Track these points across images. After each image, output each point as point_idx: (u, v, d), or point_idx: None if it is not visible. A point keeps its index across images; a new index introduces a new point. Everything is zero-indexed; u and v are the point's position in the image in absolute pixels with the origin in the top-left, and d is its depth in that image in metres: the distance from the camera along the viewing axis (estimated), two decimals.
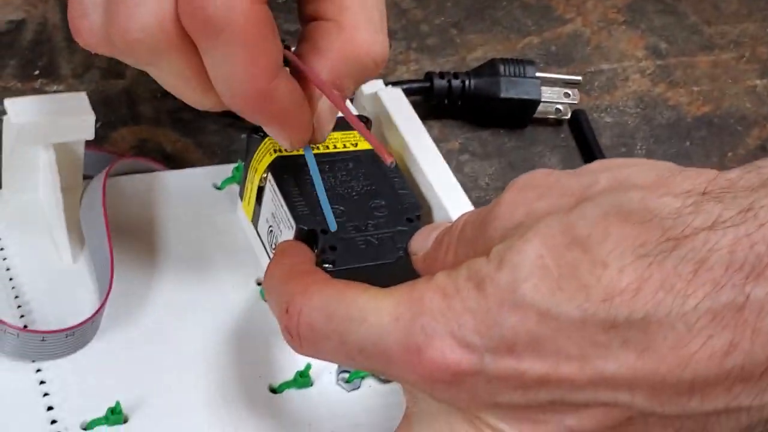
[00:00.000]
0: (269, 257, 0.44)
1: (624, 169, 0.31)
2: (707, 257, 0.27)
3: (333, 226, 0.39)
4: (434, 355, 0.29)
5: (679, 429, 0.29)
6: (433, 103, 0.56)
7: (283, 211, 0.42)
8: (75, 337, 0.40)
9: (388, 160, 0.36)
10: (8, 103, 0.42)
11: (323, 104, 0.37)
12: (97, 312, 0.41)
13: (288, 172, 0.42)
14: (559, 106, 0.57)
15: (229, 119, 0.53)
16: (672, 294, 0.27)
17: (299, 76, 0.36)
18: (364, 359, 0.31)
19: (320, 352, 0.33)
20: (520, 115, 0.57)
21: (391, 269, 0.40)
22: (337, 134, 0.45)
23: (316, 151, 0.44)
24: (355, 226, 0.41)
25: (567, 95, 0.57)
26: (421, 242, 0.37)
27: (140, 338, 0.42)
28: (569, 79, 0.58)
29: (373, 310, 0.31)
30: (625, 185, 0.30)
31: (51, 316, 0.42)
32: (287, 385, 0.41)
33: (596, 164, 0.32)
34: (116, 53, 0.34)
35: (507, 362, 0.29)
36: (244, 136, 0.53)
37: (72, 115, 0.42)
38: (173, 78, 0.34)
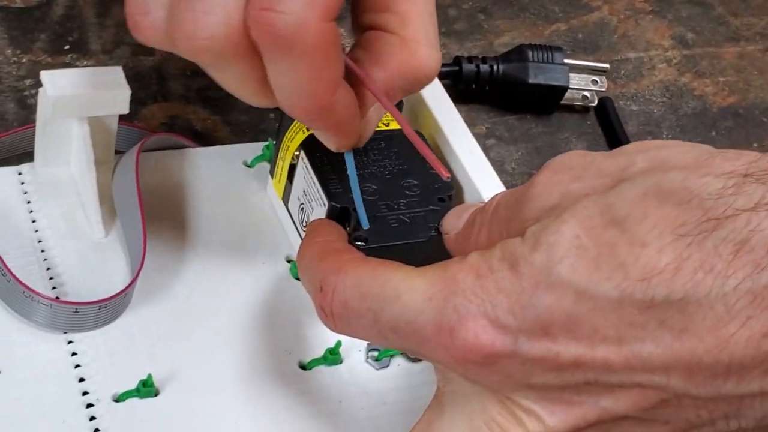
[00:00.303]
0: (300, 235, 0.44)
1: (662, 150, 0.30)
2: (748, 238, 0.27)
3: (366, 224, 0.39)
4: (467, 336, 0.29)
5: (713, 411, 0.29)
6: (460, 87, 0.56)
7: (316, 189, 0.42)
8: (107, 309, 0.40)
9: (445, 176, 0.36)
10: (45, 75, 0.42)
11: (372, 111, 0.37)
12: (129, 285, 0.41)
13: (321, 150, 0.42)
14: (586, 93, 0.57)
15: None
16: (712, 274, 0.27)
17: (352, 80, 0.36)
18: (397, 338, 0.31)
19: (354, 330, 0.33)
20: (548, 100, 0.57)
21: (423, 248, 0.40)
22: None
23: None
24: (387, 204, 0.41)
25: (594, 82, 0.57)
26: (453, 222, 0.37)
27: (171, 312, 0.42)
28: (596, 67, 0.58)
29: (407, 289, 0.31)
30: (664, 166, 0.29)
31: (83, 289, 0.42)
32: (317, 362, 0.41)
33: (632, 146, 0.32)
34: (177, 52, 0.34)
35: (542, 344, 0.29)
36: (272, 115, 0.53)
37: (108, 89, 0.42)
38: (233, 81, 0.34)
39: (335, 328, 0.33)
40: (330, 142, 0.37)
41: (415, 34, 0.36)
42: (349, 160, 0.38)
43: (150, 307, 0.42)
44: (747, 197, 0.27)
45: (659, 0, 0.66)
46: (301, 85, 0.33)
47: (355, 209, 0.40)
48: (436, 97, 0.47)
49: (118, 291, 0.41)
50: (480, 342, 0.29)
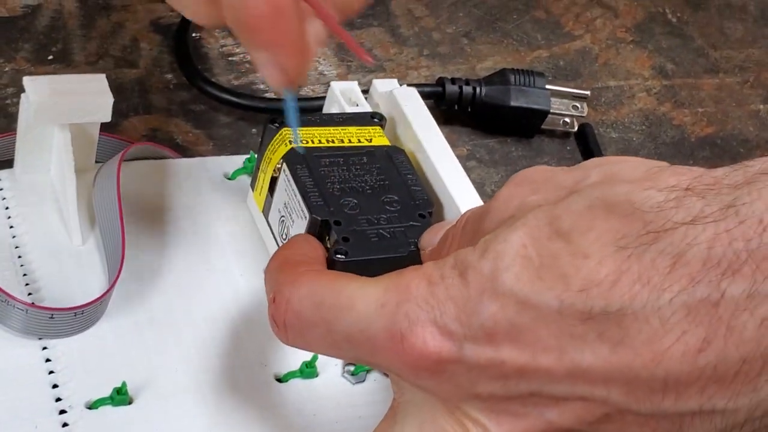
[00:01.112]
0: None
1: (615, 165, 0.31)
2: (685, 252, 0.26)
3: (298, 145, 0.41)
4: (416, 342, 0.29)
5: (655, 429, 0.28)
6: (443, 108, 0.56)
7: (297, 202, 0.42)
8: (83, 316, 0.40)
9: (369, 61, 0.36)
10: (27, 80, 0.42)
11: (311, 29, 0.36)
12: (106, 293, 0.41)
13: (303, 163, 0.42)
14: (567, 119, 0.58)
15: (241, 112, 0.54)
16: (648, 287, 0.27)
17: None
18: (351, 348, 0.31)
19: (307, 341, 0.33)
20: (529, 124, 0.57)
21: (402, 263, 0.39)
22: (352, 129, 0.45)
23: (330, 145, 0.44)
24: (368, 219, 0.41)
25: (575, 107, 0.58)
26: (430, 238, 0.37)
27: (147, 321, 0.42)
28: (577, 93, 0.59)
29: (361, 297, 0.31)
30: (614, 179, 0.30)
31: (59, 295, 0.42)
32: (293, 374, 0.41)
33: (591, 161, 0.32)
34: None
35: (486, 351, 0.29)
36: (254, 130, 0.53)
37: (91, 96, 0.42)
38: None
39: (288, 340, 0.33)
40: (275, 70, 0.34)
41: None
42: (291, 103, 0.37)
43: (126, 316, 0.42)
44: (686, 211, 0.27)
45: (640, 30, 0.67)
46: None
47: (336, 222, 0.40)
48: (418, 115, 0.47)
49: (94, 298, 0.40)
50: (428, 349, 0.29)
